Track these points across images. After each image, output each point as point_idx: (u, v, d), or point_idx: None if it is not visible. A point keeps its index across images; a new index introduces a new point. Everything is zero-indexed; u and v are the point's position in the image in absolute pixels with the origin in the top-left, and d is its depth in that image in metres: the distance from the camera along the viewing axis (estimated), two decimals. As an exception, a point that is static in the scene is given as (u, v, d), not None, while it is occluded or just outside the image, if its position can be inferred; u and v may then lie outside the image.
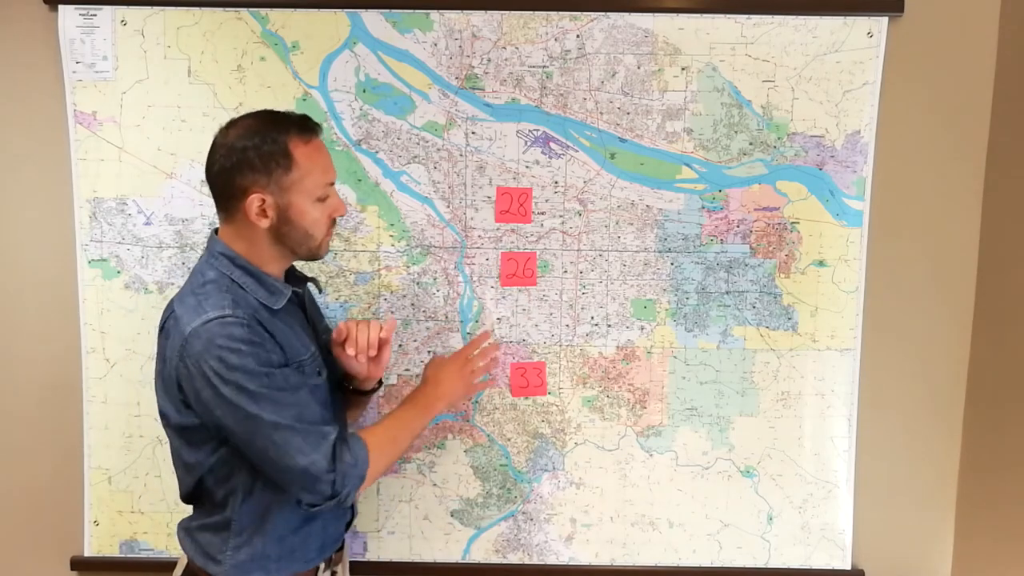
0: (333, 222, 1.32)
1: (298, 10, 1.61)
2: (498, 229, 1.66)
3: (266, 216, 1.25)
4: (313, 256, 1.33)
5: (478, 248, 1.67)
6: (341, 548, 1.45)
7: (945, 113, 1.67)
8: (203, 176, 1.62)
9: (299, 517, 1.31)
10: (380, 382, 1.48)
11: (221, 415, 1.21)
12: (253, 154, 1.23)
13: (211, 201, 1.62)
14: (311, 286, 1.43)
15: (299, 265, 1.44)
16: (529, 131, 1.64)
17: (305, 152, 1.26)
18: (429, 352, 1.67)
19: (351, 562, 1.59)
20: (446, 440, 1.70)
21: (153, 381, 1.30)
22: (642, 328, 1.68)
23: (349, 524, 1.45)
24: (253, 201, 1.24)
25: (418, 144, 1.64)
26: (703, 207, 1.66)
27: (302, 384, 1.26)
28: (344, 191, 1.62)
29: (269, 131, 1.25)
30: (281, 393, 1.21)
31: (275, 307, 1.28)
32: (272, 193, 1.25)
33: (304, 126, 1.27)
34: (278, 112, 1.30)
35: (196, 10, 1.61)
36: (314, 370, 1.33)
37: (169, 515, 1.68)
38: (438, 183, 1.65)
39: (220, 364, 1.18)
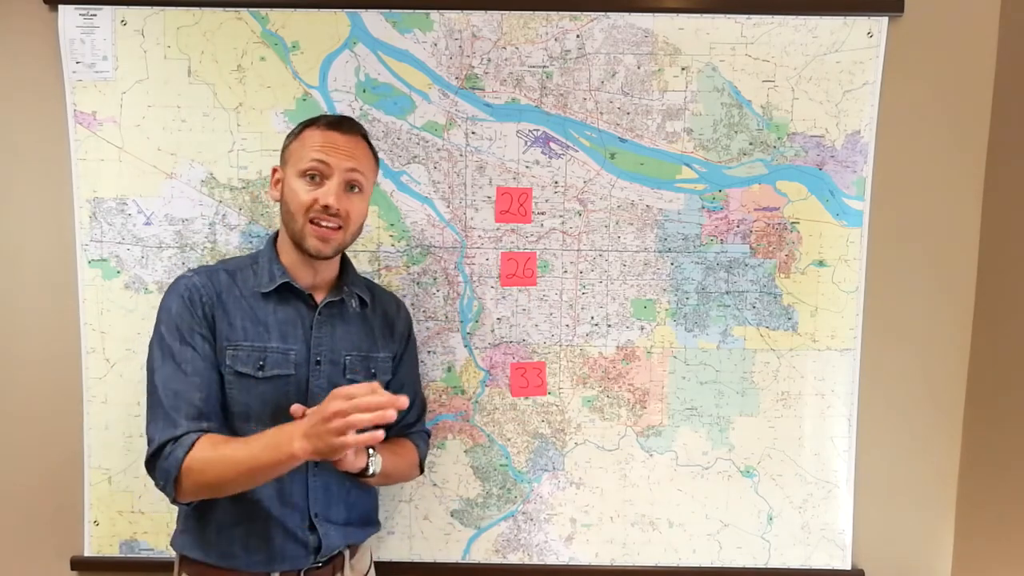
0: (321, 221, 1.30)
1: (298, 10, 1.61)
2: (498, 229, 1.66)
3: (276, 188, 1.37)
4: (302, 246, 1.33)
5: (478, 248, 1.67)
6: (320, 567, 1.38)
7: (945, 113, 1.67)
8: (203, 176, 1.64)
9: (237, 512, 1.32)
10: (365, 471, 1.35)
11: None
12: (286, 138, 1.38)
13: (211, 201, 1.64)
14: (350, 301, 1.41)
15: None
16: (529, 131, 1.64)
17: (312, 132, 1.34)
18: (430, 352, 1.67)
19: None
20: (446, 440, 1.70)
21: None
22: (642, 328, 1.68)
23: (317, 552, 1.36)
24: (273, 172, 1.38)
25: (418, 144, 1.64)
26: (703, 207, 1.66)
27: (200, 366, 1.29)
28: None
29: (305, 121, 1.37)
30: (180, 355, 1.29)
31: (263, 290, 1.35)
32: (282, 167, 1.36)
33: (332, 119, 1.35)
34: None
35: (196, 10, 1.61)
36: (271, 363, 1.33)
37: (169, 515, 1.67)
38: (438, 183, 1.65)
39: (161, 306, 1.33)
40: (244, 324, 1.33)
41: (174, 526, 1.40)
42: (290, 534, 1.34)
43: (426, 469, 1.68)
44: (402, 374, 1.52)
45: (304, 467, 1.35)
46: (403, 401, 1.19)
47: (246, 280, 1.37)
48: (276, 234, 1.41)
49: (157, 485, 1.27)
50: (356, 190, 1.34)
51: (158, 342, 1.30)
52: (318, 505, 1.37)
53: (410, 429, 1.56)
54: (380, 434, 1.19)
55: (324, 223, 1.31)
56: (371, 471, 1.36)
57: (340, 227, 1.33)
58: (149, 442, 1.27)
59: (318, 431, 1.18)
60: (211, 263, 1.62)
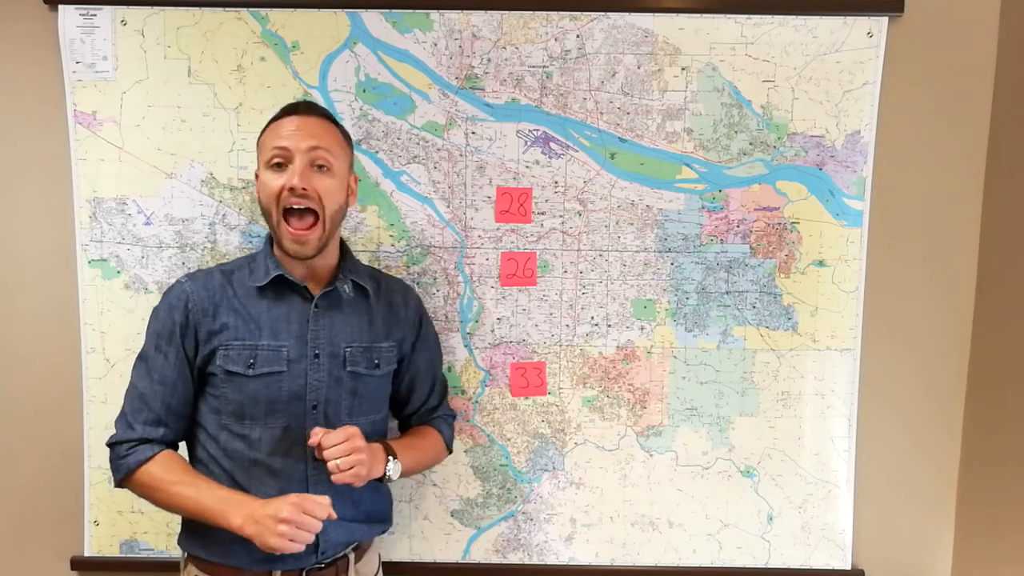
0: (289, 214, 1.30)
1: (298, 10, 1.61)
2: (498, 229, 1.66)
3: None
4: (282, 247, 1.33)
5: (478, 248, 1.67)
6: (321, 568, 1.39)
7: (945, 113, 1.67)
8: (203, 176, 1.64)
9: None
10: (382, 478, 1.37)
11: None
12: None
13: (211, 201, 1.65)
14: (343, 287, 1.40)
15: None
16: (529, 131, 1.64)
17: (273, 124, 1.35)
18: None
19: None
20: (446, 440, 1.70)
21: None
22: (642, 328, 1.68)
23: (317, 549, 1.36)
24: (256, 178, 1.37)
25: (418, 144, 1.65)
26: (703, 207, 1.66)
27: (168, 376, 1.35)
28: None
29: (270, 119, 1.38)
30: (152, 362, 1.35)
31: (257, 284, 1.36)
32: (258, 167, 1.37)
33: (290, 106, 1.39)
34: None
35: (196, 10, 1.61)
36: (262, 361, 1.34)
37: (169, 515, 1.67)
38: (438, 183, 1.65)
39: (154, 308, 1.39)
40: (236, 323, 1.34)
41: (174, 526, 1.40)
42: None
43: (427, 469, 1.68)
44: (418, 360, 1.52)
45: (304, 463, 1.34)
46: (334, 514, 1.25)
47: (242, 278, 1.38)
48: (268, 239, 1.42)
49: (111, 467, 1.36)
50: (324, 169, 1.33)
51: (145, 341, 1.37)
52: None
53: (432, 414, 1.56)
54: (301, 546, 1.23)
55: (296, 206, 1.30)
56: (388, 479, 1.37)
57: (315, 220, 1.31)
58: (115, 424, 1.36)
59: (265, 525, 1.22)
60: (211, 263, 1.63)
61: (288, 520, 1.21)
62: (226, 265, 1.42)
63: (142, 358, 1.36)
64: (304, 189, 1.29)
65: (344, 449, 1.26)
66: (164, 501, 1.31)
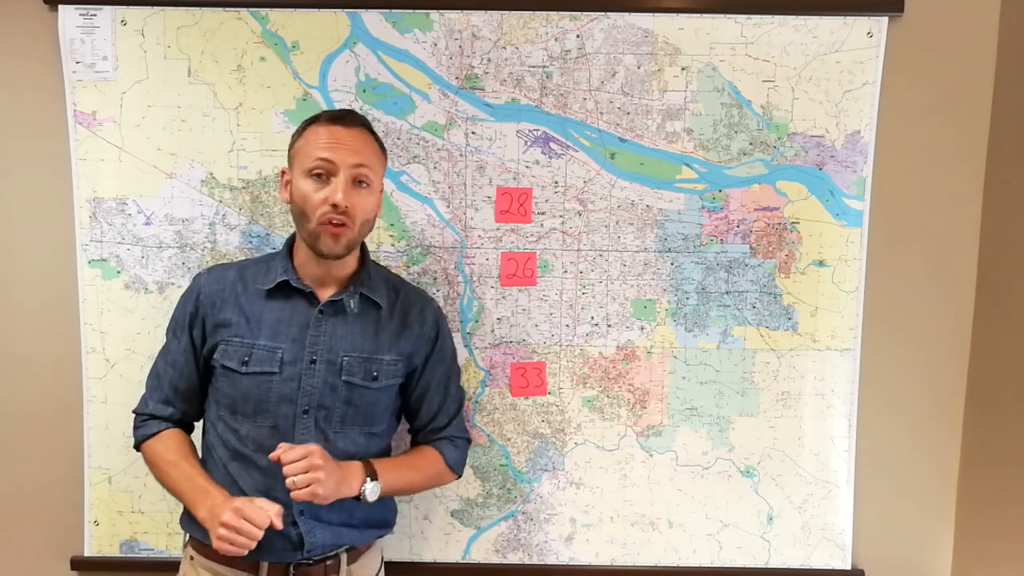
0: (331, 220, 1.30)
1: (298, 10, 1.61)
2: (498, 229, 1.66)
3: (286, 190, 1.37)
4: (315, 246, 1.33)
5: (478, 248, 1.67)
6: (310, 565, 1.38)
7: (945, 113, 1.67)
8: (203, 176, 1.64)
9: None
10: (358, 498, 1.35)
11: None
12: (291, 137, 1.39)
13: (211, 201, 1.64)
14: (349, 301, 1.39)
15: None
16: (529, 131, 1.64)
17: (315, 129, 1.34)
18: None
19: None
20: (446, 440, 1.70)
21: None
22: (642, 328, 1.68)
23: (301, 547, 1.35)
24: (281, 175, 1.39)
25: (418, 144, 1.65)
26: (703, 207, 1.66)
27: (178, 360, 1.41)
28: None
29: (308, 118, 1.38)
30: (169, 345, 1.43)
31: (263, 287, 1.38)
32: (290, 168, 1.38)
33: (334, 114, 1.35)
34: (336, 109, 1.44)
35: (196, 10, 1.61)
36: (256, 360, 1.35)
37: (169, 515, 1.68)
38: (438, 183, 1.65)
39: None
40: (238, 321, 1.37)
41: (174, 526, 1.41)
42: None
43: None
44: (429, 376, 1.48)
45: None
46: (277, 524, 1.24)
47: (255, 278, 1.40)
48: (294, 234, 1.42)
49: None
50: (364, 185, 1.34)
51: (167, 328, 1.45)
52: (304, 503, 1.34)
53: (438, 434, 1.51)
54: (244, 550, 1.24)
55: (335, 221, 1.31)
56: (364, 499, 1.35)
57: (347, 224, 1.32)
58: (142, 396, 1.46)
59: (212, 525, 1.25)
60: (211, 264, 1.63)
61: (226, 525, 1.22)
62: (246, 262, 1.46)
63: (164, 343, 1.44)
64: (346, 207, 1.31)
65: (302, 467, 1.24)
66: (159, 477, 1.38)
